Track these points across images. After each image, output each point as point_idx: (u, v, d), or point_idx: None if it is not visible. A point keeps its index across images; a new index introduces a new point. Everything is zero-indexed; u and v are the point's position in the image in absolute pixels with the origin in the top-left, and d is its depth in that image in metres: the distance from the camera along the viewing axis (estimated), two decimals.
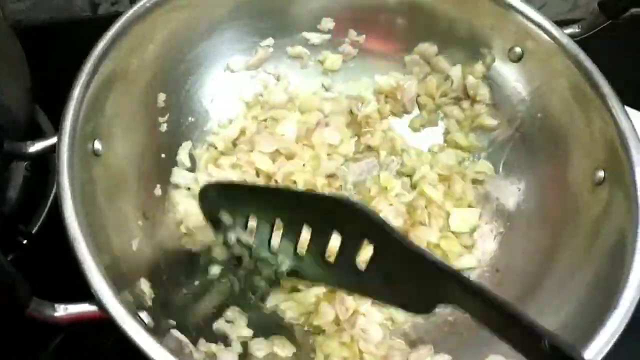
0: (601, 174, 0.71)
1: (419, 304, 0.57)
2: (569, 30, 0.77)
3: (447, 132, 0.87)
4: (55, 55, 0.90)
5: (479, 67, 0.84)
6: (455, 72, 0.86)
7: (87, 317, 0.55)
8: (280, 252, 0.66)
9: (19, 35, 0.77)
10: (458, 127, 0.87)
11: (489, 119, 0.84)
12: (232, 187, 0.70)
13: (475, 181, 0.82)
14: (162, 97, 0.77)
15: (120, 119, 0.71)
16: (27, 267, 0.75)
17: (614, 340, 0.57)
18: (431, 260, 0.54)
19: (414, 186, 0.82)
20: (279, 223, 0.65)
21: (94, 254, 0.56)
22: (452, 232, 0.79)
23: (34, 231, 0.82)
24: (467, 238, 0.80)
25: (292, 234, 0.65)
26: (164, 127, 0.78)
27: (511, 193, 0.82)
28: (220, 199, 0.67)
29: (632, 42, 1.06)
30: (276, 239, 0.66)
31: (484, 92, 0.84)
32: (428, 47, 0.86)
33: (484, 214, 0.82)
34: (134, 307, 0.58)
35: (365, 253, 0.59)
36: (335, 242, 0.61)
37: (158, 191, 0.76)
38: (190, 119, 0.81)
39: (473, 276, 0.78)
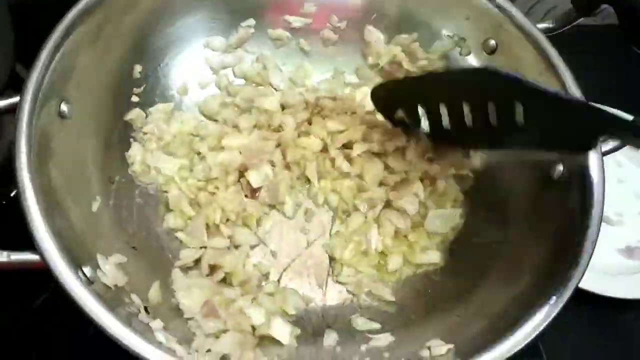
0: (560, 168, 0.71)
1: (579, 142, 0.64)
2: (542, 25, 0.78)
3: None
4: (42, 13, 0.88)
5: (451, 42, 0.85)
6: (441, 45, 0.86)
7: (28, 266, 0.57)
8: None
9: None
10: None
11: None
12: (399, 83, 0.78)
13: None
14: (138, 68, 0.80)
15: (91, 85, 0.73)
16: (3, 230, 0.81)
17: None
18: (584, 104, 0.63)
19: None
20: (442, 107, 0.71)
21: (41, 206, 0.58)
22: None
23: (12, 194, 0.85)
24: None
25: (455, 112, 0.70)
26: (135, 98, 0.80)
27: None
28: (391, 97, 0.75)
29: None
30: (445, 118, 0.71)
31: None
32: (407, 39, 0.86)
33: None
34: (78, 261, 0.60)
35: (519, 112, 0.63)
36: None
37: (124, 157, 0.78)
38: (162, 92, 0.83)
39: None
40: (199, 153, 0.81)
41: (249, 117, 0.84)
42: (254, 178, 0.77)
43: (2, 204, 0.83)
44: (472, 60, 0.84)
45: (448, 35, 0.84)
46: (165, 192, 0.78)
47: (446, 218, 0.79)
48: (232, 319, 0.68)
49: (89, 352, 0.75)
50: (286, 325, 0.70)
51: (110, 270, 0.65)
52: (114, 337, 0.54)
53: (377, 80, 0.87)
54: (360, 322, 0.72)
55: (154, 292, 0.68)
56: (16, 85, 0.84)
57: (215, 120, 0.85)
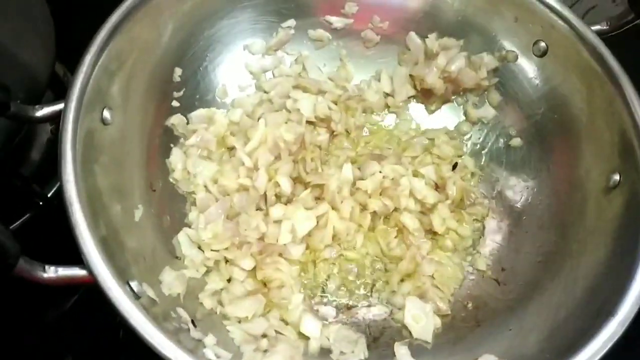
0: (616, 177, 0.69)
1: None
2: (596, 27, 0.75)
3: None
4: (84, 15, 0.89)
5: (493, 61, 0.82)
6: (488, 60, 0.83)
7: (77, 281, 0.56)
8: None
9: None
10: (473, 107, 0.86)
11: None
12: None
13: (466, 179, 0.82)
14: (178, 71, 0.78)
15: (132, 91, 0.71)
16: (39, 228, 0.80)
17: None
18: None
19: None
20: None
21: (89, 218, 0.56)
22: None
23: (50, 194, 0.84)
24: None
25: None
26: (175, 103, 0.78)
27: (521, 190, 0.80)
28: None
29: None
30: None
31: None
32: (450, 40, 0.84)
33: (493, 210, 0.80)
34: (126, 275, 0.58)
35: None
36: None
37: (164, 164, 0.76)
38: (202, 96, 0.82)
39: (478, 275, 0.77)
40: (231, 149, 0.79)
41: (280, 115, 0.81)
42: (284, 183, 0.75)
43: (39, 204, 0.82)
44: (522, 65, 0.81)
45: (493, 52, 0.82)
46: (194, 194, 0.76)
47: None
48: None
49: (119, 353, 0.76)
50: (316, 321, 0.69)
51: (168, 280, 0.65)
52: (163, 354, 0.53)
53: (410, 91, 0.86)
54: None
55: (207, 300, 0.68)
56: (54, 85, 0.84)
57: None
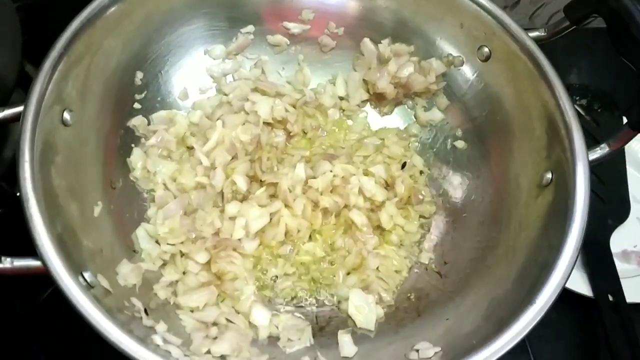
0: (549, 175, 0.73)
1: None
2: (534, 34, 0.79)
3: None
4: (56, 20, 0.91)
5: (441, 66, 0.86)
6: (437, 65, 0.87)
7: (31, 272, 0.60)
8: None
9: None
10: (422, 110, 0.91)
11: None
12: None
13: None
14: (139, 75, 0.82)
15: (93, 93, 0.75)
16: (7, 226, 0.83)
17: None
18: None
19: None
20: None
21: (44, 214, 0.60)
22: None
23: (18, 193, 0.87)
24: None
25: None
26: (137, 105, 0.82)
27: (464, 189, 0.84)
28: None
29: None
30: None
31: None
32: (401, 47, 0.88)
33: (439, 207, 0.84)
34: (80, 267, 0.62)
35: None
36: None
37: (125, 163, 0.80)
38: (163, 98, 0.86)
39: (422, 268, 0.81)
40: (190, 148, 0.83)
41: (238, 117, 0.85)
42: (240, 181, 0.79)
43: (9, 202, 0.85)
44: (467, 69, 0.85)
45: (441, 57, 0.87)
46: (153, 191, 0.80)
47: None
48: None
49: (94, 345, 0.78)
50: (265, 311, 0.73)
51: (124, 272, 0.69)
52: (111, 341, 0.57)
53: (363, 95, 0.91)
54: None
55: (161, 290, 0.72)
56: (26, 84, 0.87)
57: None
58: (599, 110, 1.05)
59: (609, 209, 0.97)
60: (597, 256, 0.91)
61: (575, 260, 0.64)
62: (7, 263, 0.59)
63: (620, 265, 0.92)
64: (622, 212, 0.98)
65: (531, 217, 0.73)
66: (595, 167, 0.71)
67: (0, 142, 0.89)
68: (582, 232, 0.65)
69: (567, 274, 0.63)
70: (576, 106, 0.98)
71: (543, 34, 0.79)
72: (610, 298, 0.86)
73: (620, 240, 0.95)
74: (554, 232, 0.67)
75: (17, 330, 0.82)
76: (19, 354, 0.81)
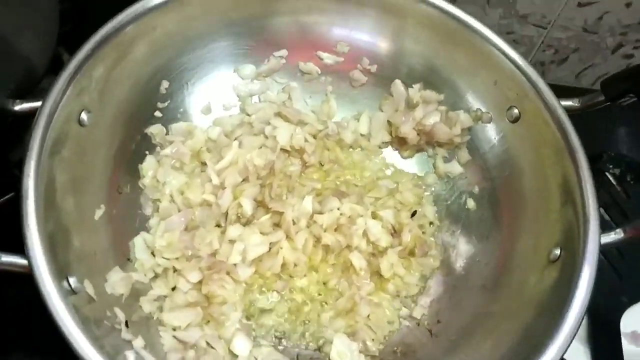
0: (557, 252, 0.71)
1: None
2: (566, 103, 0.76)
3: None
4: (98, 6, 0.85)
5: (469, 119, 0.85)
6: (464, 118, 0.86)
7: (17, 270, 0.60)
8: None
9: None
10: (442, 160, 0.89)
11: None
12: None
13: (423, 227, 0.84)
14: (165, 84, 0.82)
15: (115, 98, 0.76)
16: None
17: None
18: None
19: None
20: None
21: (40, 212, 0.61)
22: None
23: None
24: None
25: None
26: (158, 113, 0.82)
27: (469, 249, 0.82)
28: None
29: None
30: None
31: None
32: (431, 94, 0.87)
33: (442, 262, 0.83)
34: (66, 270, 0.62)
35: None
36: None
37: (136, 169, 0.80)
38: (185, 110, 0.86)
39: (413, 322, 0.79)
40: (203, 164, 0.83)
41: (257, 139, 0.85)
42: (246, 204, 0.78)
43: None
44: (494, 128, 0.84)
45: (469, 111, 0.85)
46: (159, 201, 0.80)
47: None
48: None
49: None
50: (247, 341, 0.72)
51: (114, 280, 0.69)
52: (78, 354, 0.56)
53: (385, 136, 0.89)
54: None
55: (147, 304, 0.71)
56: (57, 69, 0.87)
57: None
58: (632, 182, 1.01)
59: (625, 285, 0.93)
60: (604, 333, 0.88)
61: (568, 346, 0.61)
62: None
63: (627, 347, 0.88)
64: (638, 290, 0.93)
65: (533, 290, 0.71)
66: None
67: (21, 127, 0.90)
68: (580, 319, 0.63)
69: (558, 358, 0.60)
70: (608, 174, 0.97)
71: (577, 104, 0.77)
72: None
73: (632, 320, 0.90)
74: (552, 312, 0.65)
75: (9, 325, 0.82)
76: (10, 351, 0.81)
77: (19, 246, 0.59)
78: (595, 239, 0.67)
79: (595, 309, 0.63)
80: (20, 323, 0.80)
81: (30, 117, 0.65)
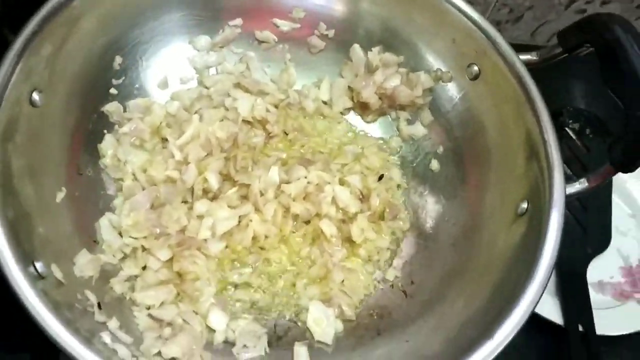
0: (524, 205, 0.71)
1: None
2: (525, 57, 0.77)
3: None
4: None
5: (429, 80, 0.84)
6: (425, 79, 0.85)
7: None
8: None
9: None
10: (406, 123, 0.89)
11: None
12: None
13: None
14: (118, 60, 0.80)
15: (67, 75, 0.73)
16: None
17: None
18: None
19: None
20: None
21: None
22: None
23: None
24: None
25: None
26: (114, 90, 0.80)
27: (438, 209, 0.83)
28: None
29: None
30: None
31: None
32: (391, 57, 0.86)
33: (412, 224, 0.83)
34: (32, 255, 0.60)
35: None
36: None
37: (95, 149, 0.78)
38: (141, 85, 0.83)
39: (387, 284, 0.79)
40: (164, 140, 0.81)
41: (217, 112, 0.83)
42: (212, 179, 0.77)
43: None
44: (454, 87, 0.84)
45: (429, 72, 0.85)
46: (121, 180, 0.78)
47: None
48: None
49: None
50: (223, 315, 0.72)
51: (82, 262, 0.67)
52: (53, 340, 0.55)
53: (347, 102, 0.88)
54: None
55: (118, 285, 0.70)
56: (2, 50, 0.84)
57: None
58: (591, 135, 1.04)
59: (589, 237, 0.95)
60: (571, 284, 0.90)
61: (540, 297, 0.62)
62: None
63: (594, 296, 0.91)
64: (602, 241, 0.97)
65: (503, 245, 0.72)
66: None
67: None
68: (550, 270, 0.64)
69: (530, 310, 0.62)
70: (568, 129, 0.99)
71: (535, 58, 0.77)
72: (580, 328, 0.86)
73: (597, 271, 0.94)
74: (522, 265, 0.66)
75: None
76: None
77: None
78: (560, 189, 0.68)
79: (562, 261, 0.64)
80: None
81: None
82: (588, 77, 1.09)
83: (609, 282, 0.95)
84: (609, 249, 0.96)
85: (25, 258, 0.58)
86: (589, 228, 0.96)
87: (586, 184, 0.71)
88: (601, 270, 0.95)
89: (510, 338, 0.60)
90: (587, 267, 0.93)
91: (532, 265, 0.64)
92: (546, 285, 0.63)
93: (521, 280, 0.64)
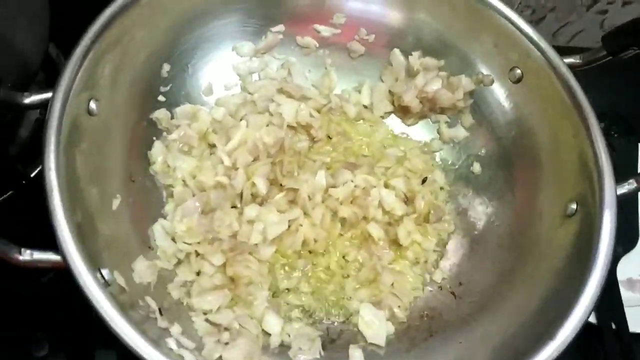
0: (574, 206, 0.72)
1: None
2: (568, 60, 0.78)
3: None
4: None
5: (470, 83, 0.86)
6: (466, 82, 0.86)
7: (50, 266, 0.59)
8: None
9: None
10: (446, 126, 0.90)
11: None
12: None
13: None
14: (166, 67, 0.81)
15: (120, 84, 0.74)
16: (19, 210, 0.82)
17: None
18: None
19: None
20: None
21: (66, 205, 0.59)
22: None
23: (33, 174, 0.86)
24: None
25: None
26: (161, 98, 0.81)
27: (484, 210, 0.84)
28: None
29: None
30: None
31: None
32: (431, 61, 0.87)
33: (457, 226, 0.84)
34: (97, 263, 0.61)
35: None
36: None
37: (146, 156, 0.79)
38: (188, 92, 0.84)
39: (435, 286, 0.80)
40: (212, 146, 0.82)
41: (262, 117, 0.84)
42: (260, 183, 0.78)
43: (22, 183, 0.84)
44: (497, 90, 0.84)
45: (471, 75, 0.86)
46: (172, 186, 0.79)
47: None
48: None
49: (93, 330, 0.78)
50: (277, 319, 0.73)
51: (140, 269, 0.69)
52: (126, 342, 0.56)
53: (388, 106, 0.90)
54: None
55: (175, 290, 0.71)
56: (47, 67, 0.85)
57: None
58: (616, 135, 1.05)
59: (618, 235, 0.96)
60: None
61: (599, 297, 0.63)
62: (27, 255, 0.58)
63: (624, 294, 0.92)
64: (630, 239, 0.97)
65: (553, 246, 0.73)
66: None
67: (16, 122, 0.88)
68: (607, 267, 0.65)
69: (590, 309, 0.63)
70: None
71: (578, 61, 0.79)
72: (613, 326, 0.86)
73: (626, 268, 0.94)
74: (576, 265, 0.67)
75: (20, 314, 0.81)
76: (22, 341, 0.80)
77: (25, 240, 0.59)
78: (612, 190, 0.69)
79: None
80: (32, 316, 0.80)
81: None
82: (608, 76, 1.09)
83: (638, 279, 0.95)
84: (637, 246, 0.97)
85: (93, 264, 0.59)
86: (618, 226, 0.96)
87: (635, 185, 0.72)
88: (630, 268, 0.95)
89: (572, 337, 0.61)
90: (617, 265, 0.93)
91: (587, 267, 0.65)
92: (602, 287, 0.64)
93: (578, 279, 0.65)
